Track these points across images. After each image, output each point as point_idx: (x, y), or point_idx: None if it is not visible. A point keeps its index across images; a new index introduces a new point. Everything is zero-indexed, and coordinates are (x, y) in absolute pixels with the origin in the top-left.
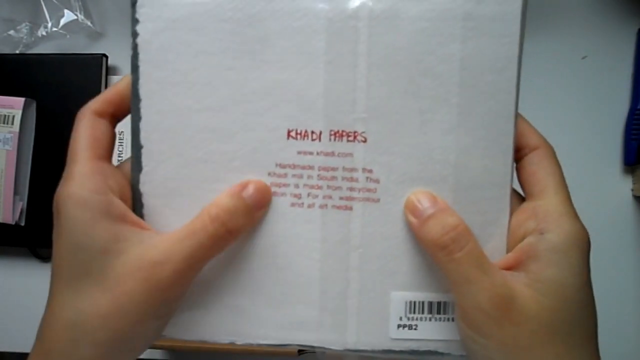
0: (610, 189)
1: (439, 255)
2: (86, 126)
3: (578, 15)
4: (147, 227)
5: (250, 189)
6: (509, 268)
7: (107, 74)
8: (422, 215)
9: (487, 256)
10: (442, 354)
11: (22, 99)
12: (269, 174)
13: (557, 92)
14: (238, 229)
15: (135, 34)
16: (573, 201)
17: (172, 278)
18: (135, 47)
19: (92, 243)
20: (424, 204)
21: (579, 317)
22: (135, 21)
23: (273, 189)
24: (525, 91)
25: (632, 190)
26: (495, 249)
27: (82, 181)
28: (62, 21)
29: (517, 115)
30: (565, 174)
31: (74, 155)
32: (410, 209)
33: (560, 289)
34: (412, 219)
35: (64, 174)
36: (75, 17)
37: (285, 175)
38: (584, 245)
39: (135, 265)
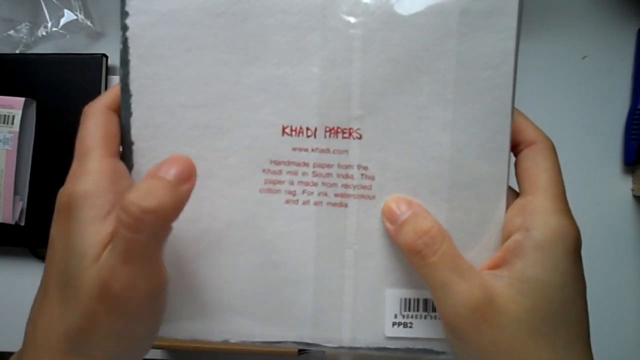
0: (610, 189)
1: (414, 260)
2: (100, 120)
3: (578, 15)
4: None
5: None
6: (495, 267)
7: (107, 74)
8: (397, 221)
9: (473, 256)
10: (437, 352)
11: (22, 99)
12: (264, 170)
13: (557, 92)
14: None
15: (125, 27)
16: (572, 201)
17: (121, 300)
18: (125, 41)
19: (82, 247)
20: (399, 209)
21: (563, 317)
22: (125, 14)
23: (268, 186)
24: (525, 91)
25: (632, 190)
26: (488, 246)
27: (95, 179)
28: (62, 21)
29: (514, 111)
30: (565, 174)
31: (87, 151)
32: (387, 215)
33: (542, 288)
34: (389, 226)
35: (75, 170)
36: (75, 17)
37: (280, 172)
38: (571, 242)
39: (93, 284)
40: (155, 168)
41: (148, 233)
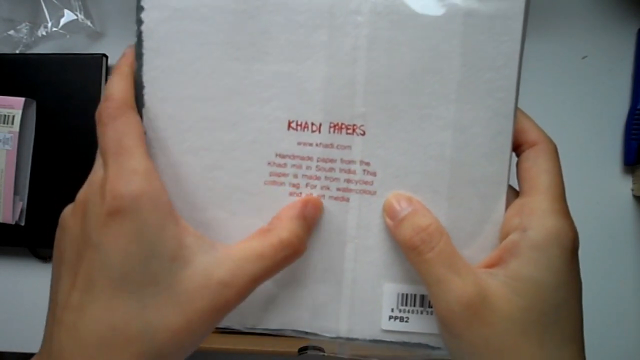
0: (610, 189)
1: (411, 256)
2: (133, 121)
3: (578, 15)
4: (197, 234)
5: (310, 208)
6: (492, 265)
7: (107, 74)
8: (397, 217)
9: (471, 254)
10: (432, 347)
11: (22, 99)
12: (269, 163)
13: (557, 92)
14: (304, 249)
15: (139, 22)
16: (572, 201)
17: (236, 298)
18: (139, 35)
19: (163, 249)
20: (400, 205)
21: (556, 317)
22: (140, 8)
23: (272, 179)
24: (525, 91)
25: (632, 190)
26: (486, 245)
27: (149, 179)
28: (62, 21)
29: (518, 112)
30: (564, 174)
31: (126, 151)
32: (387, 211)
33: (536, 288)
34: (389, 221)
35: (116, 171)
36: (75, 17)
37: (285, 165)
38: (568, 242)
39: (203, 282)
40: (301, 205)
41: (287, 266)
